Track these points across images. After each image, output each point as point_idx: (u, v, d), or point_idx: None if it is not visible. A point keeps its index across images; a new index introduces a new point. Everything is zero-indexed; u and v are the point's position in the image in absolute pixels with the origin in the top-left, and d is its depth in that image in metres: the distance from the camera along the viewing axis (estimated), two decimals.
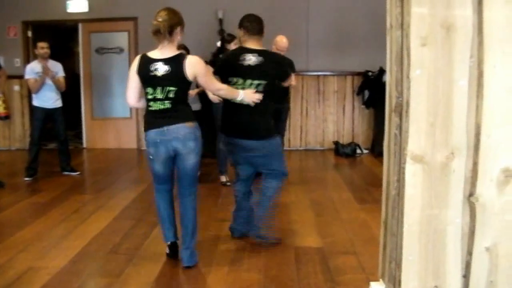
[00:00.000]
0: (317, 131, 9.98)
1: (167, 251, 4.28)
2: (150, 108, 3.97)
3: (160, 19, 3.84)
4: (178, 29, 3.92)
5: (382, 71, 8.95)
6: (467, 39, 1.80)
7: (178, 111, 3.94)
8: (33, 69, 7.24)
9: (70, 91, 7.90)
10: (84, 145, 10.46)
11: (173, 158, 4.00)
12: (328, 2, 9.67)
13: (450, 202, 1.91)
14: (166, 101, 3.90)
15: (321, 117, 9.94)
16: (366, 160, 8.98)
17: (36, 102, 7.33)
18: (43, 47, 7.23)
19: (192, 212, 4.14)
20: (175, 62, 3.86)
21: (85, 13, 10.06)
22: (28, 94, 9.20)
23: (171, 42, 3.90)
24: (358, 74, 9.70)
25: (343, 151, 9.27)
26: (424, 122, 1.85)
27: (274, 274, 3.96)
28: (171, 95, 3.88)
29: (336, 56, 9.73)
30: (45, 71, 7.12)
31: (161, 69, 3.85)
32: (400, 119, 1.91)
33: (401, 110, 1.89)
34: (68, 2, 10.03)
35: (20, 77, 9.15)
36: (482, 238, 1.90)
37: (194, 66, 3.90)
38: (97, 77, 10.31)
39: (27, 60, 9.68)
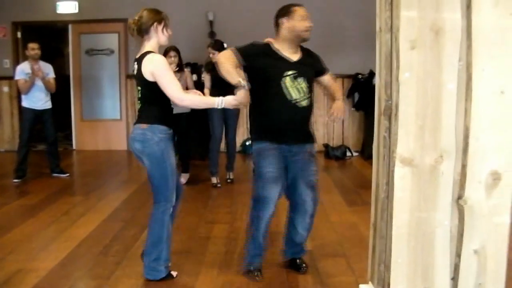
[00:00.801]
0: None
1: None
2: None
3: (130, 20, 3.79)
4: (153, 27, 3.71)
5: (372, 74, 8.99)
6: (456, 43, 1.81)
7: (142, 111, 3.78)
8: (23, 70, 7.21)
9: (59, 93, 7.87)
10: (74, 146, 10.42)
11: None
12: (318, 5, 9.67)
13: (438, 205, 1.92)
14: (139, 100, 3.84)
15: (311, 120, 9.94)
16: (356, 163, 9.00)
17: (25, 103, 7.30)
18: (33, 48, 7.21)
19: (152, 225, 3.81)
20: (140, 61, 3.67)
21: (75, 14, 10.03)
22: (17, 95, 9.16)
23: (147, 41, 3.73)
24: (349, 76, 9.73)
25: (333, 154, 9.28)
26: (413, 125, 1.86)
27: (264, 276, 3.96)
28: (139, 94, 3.79)
29: (326, 59, 9.59)
30: (35, 71, 7.09)
31: (134, 68, 3.80)
32: (389, 122, 1.91)
33: (390, 113, 1.90)
34: (58, 3, 10.00)
35: (9, 78, 9.11)
36: (471, 241, 1.91)
37: (149, 64, 3.61)
38: (87, 78, 10.27)
39: (16, 61, 9.63)
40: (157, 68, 3.60)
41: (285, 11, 3.96)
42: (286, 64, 3.93)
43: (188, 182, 7.03)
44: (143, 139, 3.69)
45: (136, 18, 3.76)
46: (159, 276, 3.83)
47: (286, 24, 3.93)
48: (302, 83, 3.94)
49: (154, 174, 3.75)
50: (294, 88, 3.91)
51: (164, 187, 3.78)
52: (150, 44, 3.74)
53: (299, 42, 4.00)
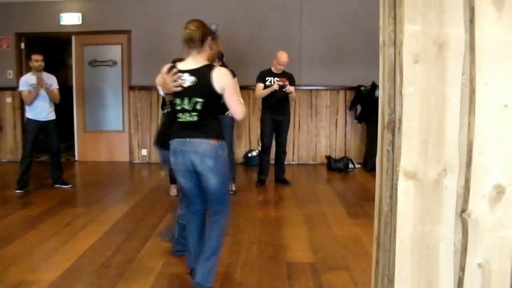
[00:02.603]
0: (310, 145, 10.00)
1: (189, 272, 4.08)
2: (178, 119, 3.81)
3: (193, 27, 3.73)
4: (209, 39, 3.80)
5: (374, 86, 9.00)
6: (459, 57, 1.81)
7: (204, 125, 3.76)
8: (27, 81, 7.23)
9: (62, 104, 7.89)
10: (76, 157, 10.43)
11: (197, 175, 3.77)
12: (321, 17, 9.73)
13: (442, 219, 1.91)
14: (193, 113, 3.75)
15: (313, 132, 9.97)
16: (359, 175, 9.00)
17: (29, 114, 7.32)
18: (37, 60, 7.24)
19: (214, 232, 3.89)
20: (202, 73, 3.70)
21: (78, 26, 10.08)
22: (21, 106, 9.20)
23: (200, 53, 3.77)
24: (351, 88, 9.75)
25: (336, 166, 9.28)
26: (416, 139, 1.86)
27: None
28: (198, 106, 3.73)
29: (328, 71, 9.78)
30: (39, 82, 7.11)
31: (187, 80, 3.77)
32: (393, 135, 1.91)
33: (394, 127, 1.90)
34: (61, 14, 10.05)
35: (13, 89, 9.16)
36: (475, 255, 1.90)
37: (222, 78, 3.72)
38: (90, 89, 10.31)
39: (19, 72, 9.68)
40: (229, 83, 3.74)
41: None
42: None
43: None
44: (216, 156, 3.72)
45: (194, 28, 3.74)
46: (211, 282, 3.86)
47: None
48: None
49: (222, 189, 3.83)
50: None
51: (227, 198, 4.00)
52: (203, 56, 3.79)
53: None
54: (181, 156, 3.74)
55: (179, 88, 3.71)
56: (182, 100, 3.77)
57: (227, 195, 3.99)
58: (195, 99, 3.73)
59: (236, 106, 3.75)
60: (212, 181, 3.74)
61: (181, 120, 3.80)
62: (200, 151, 3.68)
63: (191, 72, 3.73)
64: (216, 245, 3.87)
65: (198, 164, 3.70)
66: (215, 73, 3.70)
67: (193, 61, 3.76)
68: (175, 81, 3.71)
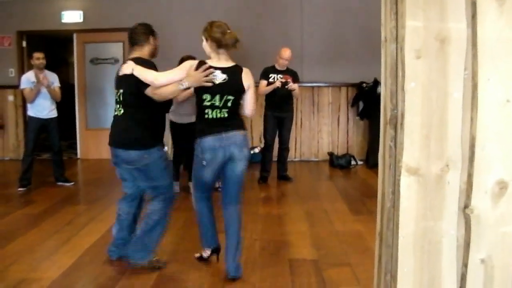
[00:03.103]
0: (312, 142, 10.00)
1: (205, 255, 4.42)
2: (206, 116, 4.00)
3: (232, 31, 4.01)
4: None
5: (376, 82, 8.99)
6: (461, 52, 1.80)
7: (234, 119, 4.05)
8: (28, 79, 7.24)
9: (64, 102, 7.89)
10: (78, 155, 10.44)
11: (224, 165, 4.08)
12: (322, 14, 9.72)
13: (445, 214, 1.91)
14: (224, 110, 3.97)
15: (315, 129, 9.96)
16: (361, 171, 9.00)
17: (31, 112, 7.32)
18: (39, 58, 7.24)
19: (238, 222, 4.23)
20: (234, 72, 4.00)
21: (79, 24, 10.08)
22: (23, 104, 9.20)
23: (226, 54, 4.04)
24: (353, 85, 9.74)
25: (338, 162, 9.28)
26: (418, 134, 1.85)
27: (268, 286, 3.95)
28: (229, 104, 3.96)
29: (330, 68, 9.77)
30: (41, 80, 7.11)
31: (219, 77, 3.90)
32: (395, 131, 1.91)
33: (396, 123, 1.89)
34: (62, 12, 10.06)
35: (15, 87, 9.16)
36: (477, 250, 1.90)
37: (249, 78, 4.09)
38: (92, 87, 10.31)
39: (21, 70, 9.69)
40: (253, 82, 4.15)
41: None
42: None
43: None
44: (248, 146, 4.18)
45: (230, 31, 4.01)
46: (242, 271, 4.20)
47: None
48: None
49: (243, 174, 4.20)
50: None
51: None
52: (228, 57, 4.07)
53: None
54: (221, 150, 3.98)
55: (210, 84, 3.90)
56: (213, 96, 3.95)
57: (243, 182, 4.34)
58: (227, 96, 3.95)
59: (253, 103, 4.16)
60: (242, 167, 4.12)
61: (210, 117, 3.98)
62: (239, 142, 4.02)
63: (223, 70, 3.96)
64: (238, 237, 4.20)
65: (237, 154, 4.02)
66: (244, 72, 4.05)
67: (225, 60, 4.02)
68: (206, 76, 3.89)
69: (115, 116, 4.34)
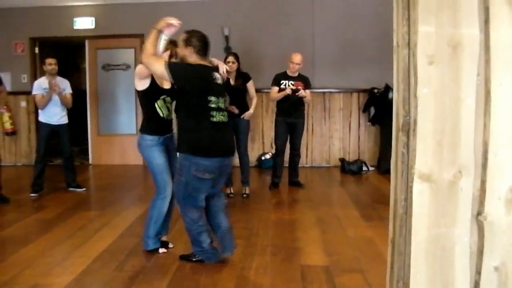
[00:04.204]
0: (323, 148, 9.98)
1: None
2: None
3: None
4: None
5: (388, 88, 8.96)
6: (474, 58, 1.79)
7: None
8: (40, 85, 7.28)
9: (76, 107, 7.94)
10: (90, 161, 10.49)
11: None
12: (334, 19, 9.71)
13: (458, 221, 1.90)
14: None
15: (327, 134, 9.95)
16: (372, 177, 8.96)
17: (42, 118, 7.36)
18: (51, 64, 7.29)
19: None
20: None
21: (91, 30, 10.14)
22: (35, 110, 9.25)
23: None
24: (364, 91, 9.72)
25: (349, 168, 9.25)
26: (431, 141, 1.84)
27: None
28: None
29: (341, 73, 9.76)
30: (53, 86, 7.16)
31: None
32: (407, 137, 1.90)
33: (409, 129, 1.88)
34: (75, 19, 10.13)
35: (27, 93, 9.22)
36: (491, 257, 1.88)
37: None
38: (103, 93, 10.36)
39: (34, 76, 9.76)
40: None
41: None
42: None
43: None
44: None
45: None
46: (147, 247, 4.77)
47: None
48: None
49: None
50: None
51: None
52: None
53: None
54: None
55: (176, 22, 4.22)
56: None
57: None
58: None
59: None
60: None
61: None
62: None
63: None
64: None
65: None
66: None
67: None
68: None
69: (218, 123, 4.22)
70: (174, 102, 4.70)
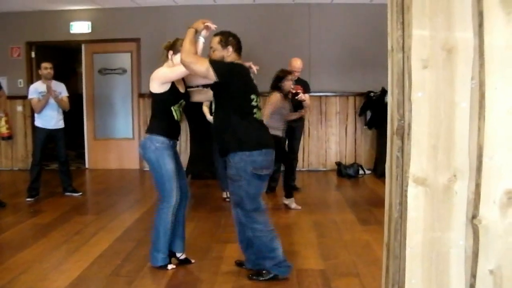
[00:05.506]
0: (320, 152, 9.98)
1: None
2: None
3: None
4: None
5: (384, 92, 8.97)
6: (468, 61, 1.80)
7: None
8: (36, 89, 7.27)
9: (72, 112, 7.92)
10: (87, 165, 10.47)
11: None
12: (330, 23, 9.73)
13: (453, 225, 1.90)
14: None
15: (323, 138, 9.95)
16: (369, 181, 8.96)
17: (38, 122, 7.35)
18: (46, 68, 7.27)
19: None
20: None
21: (88, 34, 10.13)
22: (31, 114, 9.23)
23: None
24: (360, 94, 9.73)
25: (346, 172, 9.25)
26: (426, 145, 1.85)
27: None
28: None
29: (338, 77, 9.76)
30: (49, 90, 7.15)
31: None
32: (402, 141, 1.90)
33: (403, 133, 1.88)
34: (71, 23, 10.11)
35: (23, 97, 9.19)
36: (486, 261, 1.88)
37: None
38: (100, 98, 10.35)
39: (30, 81, 9.73)
40: None
41: None
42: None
43: (199, 202, 7.04)
44: None
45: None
46: (156, 263, 4.45)
47: None
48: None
49: None
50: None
51: None
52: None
53: None
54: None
55: (213, 26, 4.35)
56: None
57: None
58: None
59: None
60: None
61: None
62: None
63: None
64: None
65: None
66: None
67: None
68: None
69: (257, 120, 4.20)
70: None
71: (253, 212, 4.15)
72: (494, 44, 1.77)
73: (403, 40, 1.87)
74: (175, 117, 4.43)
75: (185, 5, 9.70)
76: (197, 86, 4.75)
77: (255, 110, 4.14)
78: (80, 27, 10.10)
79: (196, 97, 4.75)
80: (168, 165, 4.32)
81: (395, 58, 1.93)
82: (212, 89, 4.27)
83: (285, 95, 6.49)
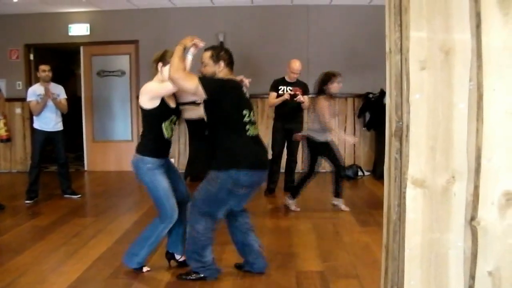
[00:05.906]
0: None
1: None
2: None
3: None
4: None
5: (383, 93, 8.97)
6: (466, 63, 1.80)
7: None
8: (35, 91, 7.26)
9: (71, 114, 7.91)
10: (85, 167, 10.46)
11: None
12: (328, 25, 9.73)
13: (451, 226, 1.90)
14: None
15: None
16: (368, 182, 8.96)
17: (36, 124, 7.34)
18: (44, 70, 7.27)
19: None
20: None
21: (86, 36, 10.13)
22: (30, 116, 9.22)
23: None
24: (359, 96, 9.73)
25: (345, 174, 9.23)
26: (424, 146, 1.85)
27: None
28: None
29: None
30: (47, 93, 7.14)
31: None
32: (400, 143, 1.90)
33: (401, 134, 1.89)
34: (70, 25, 10.11)
35: (22, 99, 9.19)
36: (485, 262, 1.88)
37: None
38: (98, 100, 10.34)
39: (29, 83, 9.72)
40: None
41: None
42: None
43: None
44: None
45: None
46: (131, 264, 4.44)
47: None
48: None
49: None
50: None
51: None
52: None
53: None
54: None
55: (201, 44, 4.17)
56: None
57: None
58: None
59: None
60: None
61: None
62: None
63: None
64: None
65: None
66: None
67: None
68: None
69: (252, 137, 4.15)
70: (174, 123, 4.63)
71: (202, 214, 4.13)
72: (491, 45, 1.77)
73: (401, 42, 1.87)
74: (165, 135, 4.31)
75: (183, 7, 9.71)
76: (189, 103, 4.68)
77: (247, 126, 4.07)
78: (79, 29, 10.09)
79: (188, 114, 4.63)
80: (163, 182, 4.27)
81: (393, 59, 1.93)
82: (203, 105, 4.21)
83: (331, 96, 6.51)
